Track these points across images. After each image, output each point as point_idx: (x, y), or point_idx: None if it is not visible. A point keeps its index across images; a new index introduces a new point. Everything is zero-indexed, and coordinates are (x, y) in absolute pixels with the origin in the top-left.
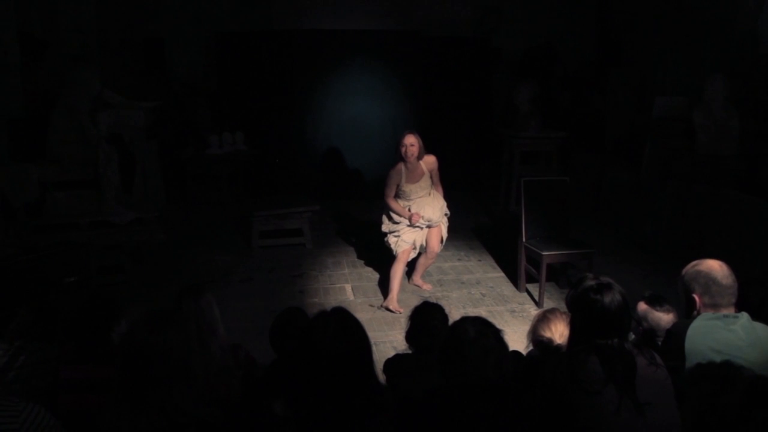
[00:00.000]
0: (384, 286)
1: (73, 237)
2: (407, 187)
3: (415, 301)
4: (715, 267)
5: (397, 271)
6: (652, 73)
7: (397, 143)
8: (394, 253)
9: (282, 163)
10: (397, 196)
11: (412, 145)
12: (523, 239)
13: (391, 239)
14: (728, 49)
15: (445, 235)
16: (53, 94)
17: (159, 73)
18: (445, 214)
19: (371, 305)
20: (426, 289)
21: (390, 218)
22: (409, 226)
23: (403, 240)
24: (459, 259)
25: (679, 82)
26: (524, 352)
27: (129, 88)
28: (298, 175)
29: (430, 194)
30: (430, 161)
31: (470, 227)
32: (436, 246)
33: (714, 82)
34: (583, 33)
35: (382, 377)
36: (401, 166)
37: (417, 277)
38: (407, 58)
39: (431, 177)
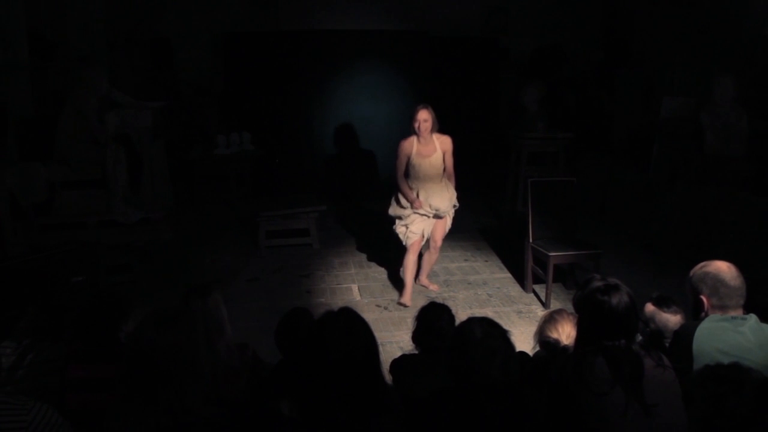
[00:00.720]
0: (392, 284)
1: (81, 236)
2: (417, 161)
3: (421, 302)
4: (723, 268)
5: (409, 262)
6: (659, 74)
7: (410, 118)
8: (404, 243)
9: (282, 162)
10: (407, 174)
11: (425, 121)
12: (530, 240)
13: (399, 228)
14: (737, 49)
15: (448, 226)
16: (62, 94)
17: (166, 74)
18: (454, 206)
19: (378, 305)
20: (433, 289)
21: (398, 202)
22: (415, 213)
23: (412, 231)
24: (466, 260)
25: (687, 83)
26: (531, 353)
27: (137, 88)
28: (305, 176)
29: (441, 181)
30: (444, 141)
31: (477, 228)
32: (439, 239)
33: (722, 83)
34: (591, 33)
35: (388, 377)
36: (413, 138)
37: (423, 277)
38: (414, 58)
39: (444, 159)
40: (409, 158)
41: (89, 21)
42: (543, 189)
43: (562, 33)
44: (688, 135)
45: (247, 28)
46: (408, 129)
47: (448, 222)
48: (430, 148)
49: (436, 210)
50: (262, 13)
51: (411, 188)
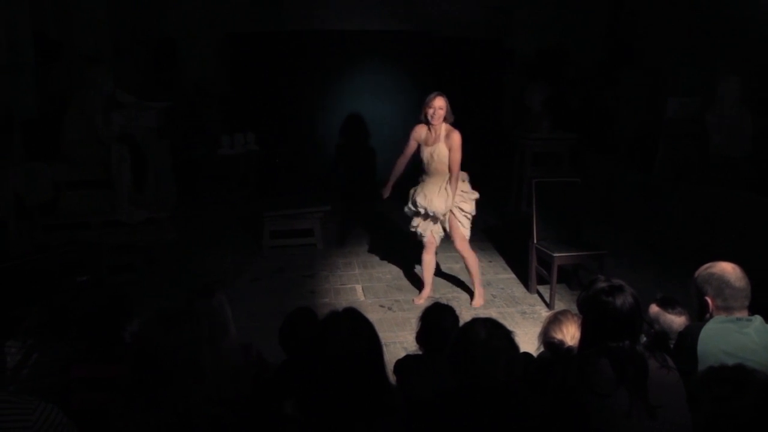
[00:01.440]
0: (396, 284)
1: (85, 236)
2: (422, 148)
3: (426, 302)
4: (728, 269)
5: (424, 261)
6: (664, 74)
7: (424, 105)
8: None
9: (282, 162)
10: (419, 165)
11: (440, 108)
12: (534, 241)
13: (411, 228)
14: (742, 49)
15: (462, 232)
16: (67, 95)
17: (171, 74)
18: (463, 210)
19: (382, 306)
20: (476, 305)
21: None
22: (416, 212)
23: (418, 231)
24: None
25: (692, 83)
26: (535, 354)
27: (141, 88)
28: (309, 176)
29: (441, 180)
30: (451, 136)
31: (481, 228)
32: (457, 244)
33: (728, 83)
34: (595, 34)
35: (392, 378)
36: (425, 125)
37: (477, 299)
38: (418, 59)
39: (449, 155)
40: (419, 145)
41: (94, 21)
42: (547, 189)
43: (566, 33)
44: (692, 135)
45: (252, 29)
46: (411, 129)
47: (459, 228)
48: (435, 138)
49: (423, 207)
50: (267, 13)
51: (419, 181)
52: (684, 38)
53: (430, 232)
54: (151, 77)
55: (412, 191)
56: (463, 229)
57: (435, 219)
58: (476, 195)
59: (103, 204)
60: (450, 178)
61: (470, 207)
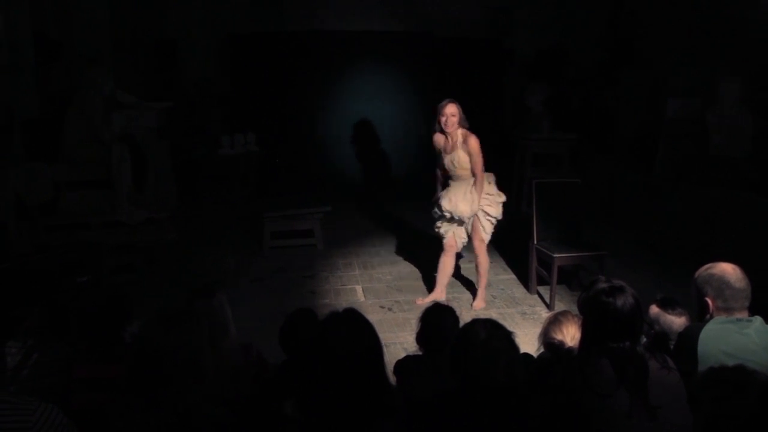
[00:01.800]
0: (396, 285)
1: (85, 236)
2: (443, 156)
3: (426, 303)
4: (728, 270)
5: (441, 263)
6: (664, 74)
7: (437, 113)
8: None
9: (282, 162)
10: (444, 169)
11: (453, 115)
12: (535, 241)
13: (435, 229)
14: (742, 49)
15: (483, 234)
16: (67, 95)
17: (171, 74)
18: (488, 215)
19: (382, 306)
20: (476, 307)
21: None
22: (442, 217)
23: (441, 231)
24: (470, 261)
25: (692, 83)
26: (535, 355)
27: (141, 88)
28: (309, 176)
29: (466, 185)
30: (469, 142)
31: None
32: (475, 244)
33: (728, 83)
34: (595, 34)
35: (392, 379)
36: (441, 133)
37: (477, 301)
38: (419, 59)
39: (470, 160)
40: (441, 154)
41: (94, 21)
42: (547, 190)
43: (566, 33)
44: (692, 135)
45: (252, 29)
46: (413, 128)
47: (480, 231)
48: (453, 145)
49: (449, 211)
50: (267, 14)
51: (446, 185)
52: (684, 38)
53: (451, 234)
54: (151, 77)
55: (438, 194)
56: (483, 234)
57: (460, 222)
58: (503, 198)
59: (103, 204)
60: (474, 182)
61: (496, 211)
